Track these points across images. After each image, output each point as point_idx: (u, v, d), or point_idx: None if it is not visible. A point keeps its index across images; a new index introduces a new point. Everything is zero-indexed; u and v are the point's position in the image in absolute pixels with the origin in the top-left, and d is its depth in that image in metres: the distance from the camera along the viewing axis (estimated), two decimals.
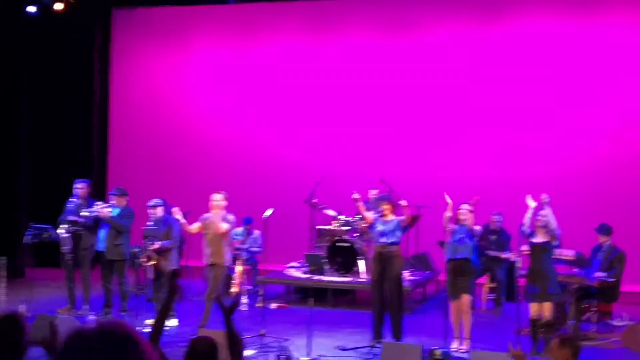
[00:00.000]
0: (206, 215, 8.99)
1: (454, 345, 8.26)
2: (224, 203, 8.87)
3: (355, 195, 9.11)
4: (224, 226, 8.80)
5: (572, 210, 12.55)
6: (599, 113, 12.97)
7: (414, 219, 11.46)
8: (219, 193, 8.94)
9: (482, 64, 13.50)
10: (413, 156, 13.69)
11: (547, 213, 7.90)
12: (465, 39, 13.59)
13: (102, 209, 9.52)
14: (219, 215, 8.81)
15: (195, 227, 8.99)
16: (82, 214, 9.59)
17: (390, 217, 8.63)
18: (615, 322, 10.06)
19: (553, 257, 8.33)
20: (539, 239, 7.98)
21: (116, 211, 9.64)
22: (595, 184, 12.92)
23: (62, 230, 9.67)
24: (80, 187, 9.94)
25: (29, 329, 3.66)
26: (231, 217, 8.97)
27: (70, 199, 9.96)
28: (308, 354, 7.78)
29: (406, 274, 10.87)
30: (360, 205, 9.05)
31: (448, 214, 8.32)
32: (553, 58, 13.18)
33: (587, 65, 13.04)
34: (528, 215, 7.94)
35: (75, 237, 9.74)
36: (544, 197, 7.97)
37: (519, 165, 13.28)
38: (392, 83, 13.87)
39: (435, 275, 12.07)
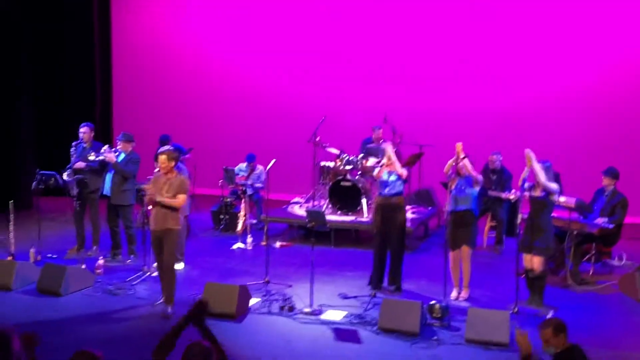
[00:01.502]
0: (156, 176, 8.06)
1: (453, 294, 8.42)
2: (171, 164, 7.85)
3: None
4: (181, 198, 7.78)
5: (573, 150, 12.70)
6: (603, 53, 12.86)
7: (417, 157, 11.54)
8: (163, 153, 7.89)
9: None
10: (416, 94, 13.67)
11: (539, 171, 7.85)
12: None
13: (108, 153, 9.55)
14: (172, 185, 7.78)
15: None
16: (89, 158, 9.63)
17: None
18: (615, 262, 10.23)
19: (555, 204, 8.36)
20: (537, 193, 8.00)
21: (122, 157, 9.67)
22: (596, 120, 12.98)
23: (67, 178, 9.75)
24: (83, 131, 9.96)
25: (17, 349, 3.64)
26: (185, 177, 8.06)
27: (75, 143, 10.00)
28: (310, 304, 7.96)
29: (409, 214, 10.98)
30: (377, 169, 8.86)
31: (451, 161, 8.30)
32: None
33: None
34: (526, 171, 7.92)
35: (80, 182, 9.83)
36: (528, 151, 7.89)
37: (523, 104, 13.28)
38: (394, 19, 13.75)
39: (437, 211, 12.22)
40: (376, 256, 8.73)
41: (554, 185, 7.95)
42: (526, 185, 8.02)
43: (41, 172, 9.88)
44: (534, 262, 8.04)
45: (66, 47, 14.45)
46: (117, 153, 9.68)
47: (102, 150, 9.64)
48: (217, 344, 4.04)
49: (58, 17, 14.30)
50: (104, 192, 9.84)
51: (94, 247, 10.14)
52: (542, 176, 7.83)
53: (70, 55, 14.49)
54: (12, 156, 13.59)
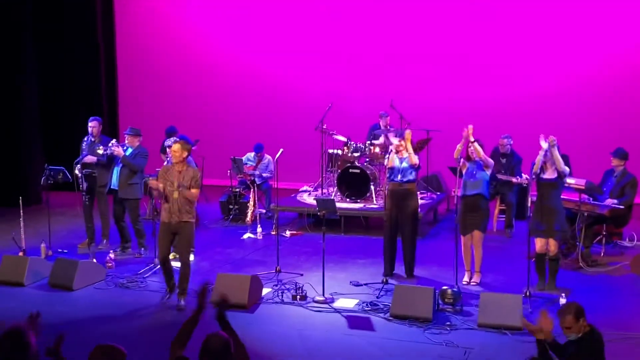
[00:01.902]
0: (165, 167, 8.12)
1: (465, 278, 8.41)
2: (184, 154, 7.79)
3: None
4: (194, 192, 7.77)
5: (582, 132, 12.64)
6: (610, 38, 12.80)
7: (424, 143, 11.51)
8: (177, 143, 7.91)
9: None
10: (422, 80, 13.59)
11: (559, 159, 7.83)
12: None
13: (115, 147, 9.55)
14: (184, 177, 7.72)
15: (161, 188, 7.87)
16: (97, 152, 9.65)
17: (405, 154, 8.59)
18: (626, 243, 10.19)
19: (565, 185, 8.36)
20: (548, 175, 7.97)
21: (129, 151, 9.67)
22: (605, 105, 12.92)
23: (77, 172, 9.77)
24: (92, 125, 9.98)
25: (34, 344, 3.63)
26: (195, 169, 8.09)
27: (85, 138, 10.03)
28: (322, 292, 7.96)
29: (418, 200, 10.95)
30: (388, 157, 8.86)
31: (459, 146, 8.28)
32: None
33: None
34: (540, 157, 7.89)
35: (89, 177, 9.85)
36: (552, 139, 7.86)
37: (531, 87, 13.21)
38: (401, 6, 13.65)
39: (446, 196, 12.20)
40: (386, 243, 8.71)
41: (567, 169, 7.96)
42: (537, 170, 7.97)
43: (49, 167, 9.90)
44: (550, 243, 8.01)
45: (70, 44, 14.39)
46: (124, 147, 9.68)
47: (109, 145, 9.64)
48: (236, 337, 4.04)
49: (61, 15, 14.27)
50: (112, 186, 9.84)
51: (104, 241, 10.16)
52: (561, 163, 7.81)
53: (74, 52, 14.43)
54: (19, 153, 13.59)
